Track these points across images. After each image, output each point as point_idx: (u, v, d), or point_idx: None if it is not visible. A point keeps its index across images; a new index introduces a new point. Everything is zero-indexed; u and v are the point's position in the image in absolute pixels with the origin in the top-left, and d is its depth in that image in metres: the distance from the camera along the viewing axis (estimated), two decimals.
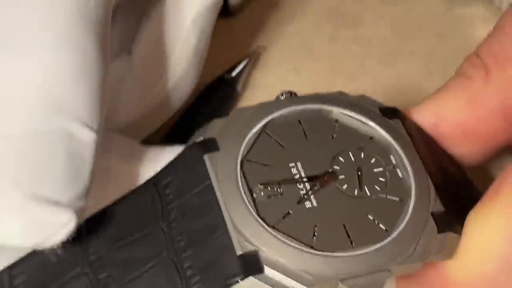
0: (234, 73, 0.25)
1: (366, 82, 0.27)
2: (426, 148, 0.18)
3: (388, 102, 0.19)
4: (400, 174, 0.17)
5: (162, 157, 0.19)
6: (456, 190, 0.19)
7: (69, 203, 0.14)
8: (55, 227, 0.14)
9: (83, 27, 0.17)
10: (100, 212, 0.16)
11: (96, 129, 0.15)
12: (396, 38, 0.28)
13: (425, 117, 0.19)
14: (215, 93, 0.24)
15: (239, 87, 0.25)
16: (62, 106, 0.15)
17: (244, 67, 0.25)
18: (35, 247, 0.14)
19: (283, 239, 0.15)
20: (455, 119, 0.19)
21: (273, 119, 0.17)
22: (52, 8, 0.17)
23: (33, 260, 0.16)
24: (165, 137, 0.23)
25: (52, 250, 0.15)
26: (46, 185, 0.14)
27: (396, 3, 0.30)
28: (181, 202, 0.16)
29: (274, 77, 0.27)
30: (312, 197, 0.16)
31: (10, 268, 0.16)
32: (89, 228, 0.16)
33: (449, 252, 0.16)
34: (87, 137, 0.15)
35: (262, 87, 0.26)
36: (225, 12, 0.27)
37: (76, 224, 0.14)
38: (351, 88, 0.21)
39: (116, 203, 0.16)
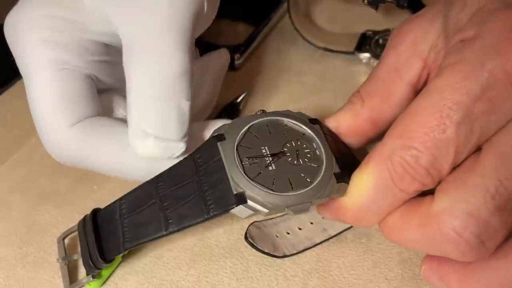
0: (238, 100, 0.38)
1: (304, 105, 0.38)
2: (332, 139, 0.26)
3: (313, 115, 0.27)
4: (318, 153, 0.25)
5: (211, 126, 0.28)
6: (347, 161, 0.25)
7: (181, 139, 0.26)
8: (176, 149, 0.26)
9: (191, 35, 0.26)
10: (166, 170, 0.25)
11: (190, 100, 0.26)
12: (319, 82, 0.40)
13: (331, 123, 0.27)
14: (227, 110, 0.36)
15: (240, 107, 0.37)
16: (178, 88, 0.26)
17: (243, 97, 0.38)
18: (168, 157, 0.26)
19: (257, 186, 0.22)
20: (346, 125, 0.27)
21: (253, 124, 0.25)
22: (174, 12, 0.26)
23: (131, 194, 0.26)
24: None
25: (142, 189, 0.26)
26: (173, 131, 0.26)
27: (318, 62, 0.42)
28: (205, 166, 0.24)
29: (257, 103, 0.39)
30: (272, 164, 0.24)
31: (120, 199, 0.26)
32: (159, 179, 0.26)
33: (343, 193, 0.24)
34: (186, 106, 0.26)
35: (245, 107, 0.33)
36: (232, 67, 0.41)
37: (185, 149, 0.26)
38: (296, 108, 0.32)
39: (174, 166, 0.25)
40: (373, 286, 0.27)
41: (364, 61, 0.41)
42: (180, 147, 0.26)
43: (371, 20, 0.45)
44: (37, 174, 0.35)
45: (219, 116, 0.37)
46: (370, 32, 0.42)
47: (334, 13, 0.47)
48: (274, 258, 0.28)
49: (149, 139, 0.25)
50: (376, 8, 0.41)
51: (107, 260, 0.26)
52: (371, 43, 0.41)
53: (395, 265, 0.28)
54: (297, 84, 0.40)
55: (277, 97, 0.39)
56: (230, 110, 0.37)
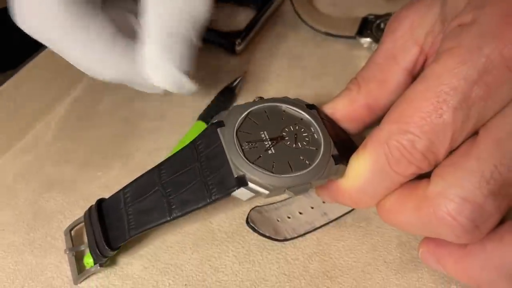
0: (233, 84, 0.38)
1: (305, 90, 0.38)
2: (329, 124, 0.26)
3: (314, 100, 0.28)
4: (316, 136, 0.25)
5: None
6: (346, 146, 0.26)
7: (187, 73, 0.29)
8: (186, 83, 0.29)
9: None
10: (167, 158, 0.26)
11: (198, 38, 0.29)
12: (320, 66, 0.40)
13: (328, 110, 0.27)
14: (224, 93, 0.37)
15: (236, 92, 0.38)
16: (193, 23, 0.28)
17: (238, 82, 0.38)
18: (177, 91, 0.29)
19: (257, 168, 0.23)
20: (342, 111, 0.27)
21: (251, 110, 0.26)
22: None
23: (134, 183, 0.27)
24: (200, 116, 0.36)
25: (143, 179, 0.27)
26: (183, 64, 0.29)
27: (319, 46, 0.41)
28: (206, 152, 0.25)
29: (258, 88, 0.39)
30: (272, 148, 0.24)
31: (124, 188, 0.27)
32: (160, 168, 0.26)
33: (341, 174, 0.24)
34: (197, 41, 0.28)
35: (246, 93, 0.33)
36: (233, 52, 0.41)
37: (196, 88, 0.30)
38: (297, 93, 0.33)
39: (175, 154, 0.26)
40: (372, 269, 0.28)
41: (365, 45, 0.41)
42: (190, 84, 0.29)
43: (373, 4, 0.44)
44: (43, 161, 0.35)
45: (215, 100, 0.37)
46: (372, 16, 0.42)
47: None
48: (275, 242, 0.29)
49: (164, 71, 0.28)
50: None
51: (114, 248, 0.27)
52: (373, 27, 0.41)
53: (393, 248, 0.28)
54: (298, 69, 0.40)
55: (278, 82, 0.39)
56: (225, 94, 0.38)
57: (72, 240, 0.30)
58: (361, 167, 0.23)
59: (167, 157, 0.27)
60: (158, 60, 0.29)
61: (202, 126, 0.35)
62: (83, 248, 0.30)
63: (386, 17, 0.41)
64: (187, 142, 0.27)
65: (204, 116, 0.36)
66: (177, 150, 0.27)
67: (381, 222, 0.30)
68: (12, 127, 0.36)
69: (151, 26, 0.28)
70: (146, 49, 0.29)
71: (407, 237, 0.29)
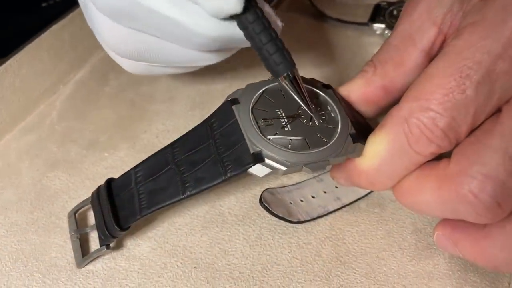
0: None
1: (315, 76, 0.38)
2: (346, 104, 0.26)
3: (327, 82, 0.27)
4: (333, 115, 0.25)
5: None
6: (362, 127, 0.26)
7: None
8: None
9: None
10: (180, 137, 0.26)
11: None
12: (331, 53, 0.39)
13: (343, 92, 0.27)
14: None
15: None
16: None
17: None
18: (225, 14, 0.22)
19: (274, 145, 0.23)
20: (357, 93, 0.26)
21: (267, 88, 0.25)
22: None
23: (146, 162, 0.26)
24: None
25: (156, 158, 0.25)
26: None
27: (331, 33, 0.40)
28: (220, 130, 0.24)
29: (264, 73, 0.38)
30: (288, 125, 0.24)
31: (135, 168, 0.26)
32: (173, 146, 0.26)
33: (359, 153, 0.24)
34: None
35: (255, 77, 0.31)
36: None
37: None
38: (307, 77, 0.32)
39: (188, 132, 0.25)
40: (387, 255, 0.27)
41: (378, 32, 0.40)
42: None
43: None
44: (47, 141, 0.34)
45: None
46: (385, 3, 0.41)
47: None
48: (287, 226, 0.28)
49: None
50: None
51: (123, 227, 0.26)
52: (385, 14, 0.40)
53: (408, 234, 0.28)
54: (309, 55, 0.40)
55: None
56: None
57: (76, 223, 0.29)
58: (379, 146, 0.23)
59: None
60: None
61: None
62: (88, 231, 0.29)
63: (399, 4, 0.41)
64: None
65: None
66: None
67: (396, 208, 0.29)
68: (16, 105, 0.35)
69: None
70: None
71: (423, 224, 0.28)
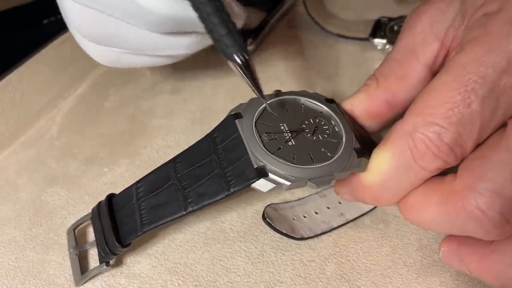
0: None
1: (317, 92, 0.38)
2: (349, 119, 0.26)
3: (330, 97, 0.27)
4: (337, 129, 0.25)
5: None
6: (366, 141, 0.25)
7: None
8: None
9: None
10: (183, 151, 0.25)
11: None
12: (332, 68, 0.39)
13: (346, 106, 0.26)
14: None
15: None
16: None
17: None
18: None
19: (278, 159, 0.22)
20: (360, 107, 0.26)
21: (270, 102, 0.25)
22: None
23: (148, 177, 0.26)
24: None
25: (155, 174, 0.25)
26: None
27: (332, 48, 0.40)
28: (223, 144, 0.24)
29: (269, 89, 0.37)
30: (292, 140, 0.24)
31: (136, 183, 0.26)
32: (175, 161, 0.25)
33: (363, 168, 0.23)
34: None
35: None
36: None
37: None
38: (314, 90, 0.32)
39: (191, 147, 0.25)
40: (392, 272, 0.26)
41: (379, 47, 0.40)
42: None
43: (384, 7, 0.44)
44: (46, 156, 0.34)
45: None
46: (385, 19, 0.41)
47: (348, 0, 0.46)
48: (290, 243, 0.28)
49: None
50: None
51: (124, 244, 0.25)
52: (386, 29, 0.40)
53: (414, 251, 0.27)
54: (310, 71, 0.40)
55: (289, 84, 0.38)
56: None
57: (75, 239, 0.28)
58: (383, 161, 0.22)
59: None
60: None
61: None
62: (87, 248, 0.28)
63: (400, 19, 0.41)
64: None
65: None
66: None
67: (400, 224, 0.29)
68: (16, 120, 0.35)
69: None
70: None
71: (428, 240, 0.28)
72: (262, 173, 0.22)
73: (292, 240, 0.28)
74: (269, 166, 0.22)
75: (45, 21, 0.48)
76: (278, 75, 0.39)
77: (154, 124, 0.36)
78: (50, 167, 0.33)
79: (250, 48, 0.41)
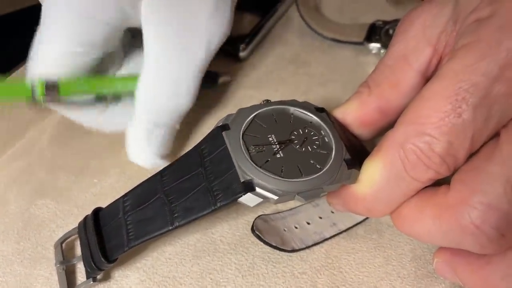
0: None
1: (311, 97, 0.37)
2: (340, 128, 0.25)
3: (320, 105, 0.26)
4: (326, 140, 0.24)
5: None
6: (358, 151, 0.25)
7: (165, 156, 0.30)
8: (161, 163, 0.30)
9: None
10: (170, 164, 0.25)
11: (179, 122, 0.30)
12: (327, 73, 0.39)
13: (338, 114, 0.26)
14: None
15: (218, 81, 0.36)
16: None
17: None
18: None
19: (265, 173, 0.22)
20: (352, 115, 0.26)
21: (258, 113, 0.24)
22: None
23: (135, 191, 0.25)
24: None
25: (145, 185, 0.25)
26: (163, 149, 0.33)
27: (326, 53, 0.40)
28: (211, 157, 0.23)
29: (263, 95, 0.38)
30: (280, 152, 0.23)
31: (123, 196, 0.25)
32: (162, 174, 0.25)
33: (354, 179, 0.23)
34: (179, 125, 0.31)
35: (251, 99, 0.34)
36: (237, 59, 0.40)
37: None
38: (303, 100, 0.31)
39: (178, 159, 0.25)
40: (385, 284, 0.26)
41: (373, 51, 0.39)
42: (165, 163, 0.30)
43: (380, 10, 0.43)
44: (36, 168, 0.34)
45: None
46: (380, 22, 0.40)
47: (342, 4, 0.46)
48: (281, 254, 0.27)
49: (144, 154, 0.31)
50: None
51: (110, 260, 0.25)
52: (381, 33, 0.39)
53: (408, 262, 0.27)
54: (304, 76, 0.39)
55: (283, 89, 0.38)
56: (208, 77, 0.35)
57: (63, 253, 0.28)
58: (375, 172, 0.22)
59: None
60: (141, 143, 0.31)
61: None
62: (75, 262, 0.28)
63: (395, 23, 0.40)
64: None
65: None
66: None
67: (394, 234, 0.28)
68: (5, 132, 0.34)
69: (139, 113, 0.30)
70: (132, 130, 0.31)
71: (422, 250, 0.27)
72: (249, 187, 0.22)
73: (284, 252, 0.27)
74: (256, 180, 0.22)
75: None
76: (271, 81, 0.39)
77: None
78: (40, 178, 0.33)
79: (243, 54, 0.40)
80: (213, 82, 0.36)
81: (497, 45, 0.19)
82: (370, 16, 0.42)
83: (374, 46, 0.39)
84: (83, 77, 0.30)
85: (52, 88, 0.28)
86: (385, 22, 0.40)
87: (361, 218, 0.28)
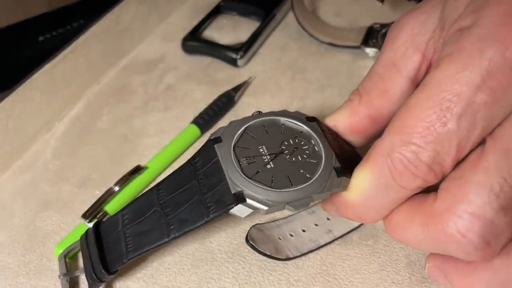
0: (235, 91, 0.38)
1: (309, 102, 0.37)
2: (331, 136, 0.25)
3: (318, 113, 0.28)
4: (316, 149, 0.24)
5: None
6: (350, 159, 0.25)
7: None
8: None
9: None
10: (166, 177, 0.25)
11: None
12: (324, 78, 0.39)
13: (329, 122, 0.26)
14: (222, 98, 0.37)
15: (235, 98, 0.38)
16: None
17: (242, 88, 0.38)
18: None
19: (255, 184, 0.22)
20: (343, 123, 0.26)
21: (249, 125, 0.25)
22: None
23: (133, 204, 0.26)
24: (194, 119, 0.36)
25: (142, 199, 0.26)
26: None
27: (324, 58, 0.40)
28: (204, 170, 0.24)
29: (261, 101, 0.38)
30: (271, 162, 0.23)
31: (122, 210, 0.26)
32: (159, 187, 0.25)
33: (344, 187, 0.23)
34: None
35: (248, 106, 0.33)
36: (235, 65, 0.41)
37: None
38: (301, 105, 0.31)
39: (173, 172, 0.25)
40: None
41: (370, 55, 0.40)
42: None
43: (378, 13, 0.44)
44: (40, 180, 0.34)
45: (212, 104, 0.37)
46: (377, 25, 0.41)
47: (340, 7, 0.46)
48: (277, 262, 0.28)
49: None
50: (382, 1, 0.39)
51: (111, 272, 0.26)
52: (378, 36, 0.40)
53: (402, 268, 0.27)
54: (302, 81, 0.39)
55: (281, 95, 0.38)
56: (223, 99, 0.38)
57: (66, 265, 0.29)
58: (364, 180, 0.22)
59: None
60: None
61: (194, 129, 0.35)
62: (78, 274, 0.29)
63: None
64: (178, 145, 0.28)
65: (197, 120, 0.36)
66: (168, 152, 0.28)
67: (389, 240, 0.28)
68: (10, 146, 0.35)
69: None
70: None
71: (417, 256, 0.27)
72: (239, 198, 0.22)
73: (278, 260, 0.28)
74: (246, 191, 0.22)
75: (40, 38, 0.48)
76: (270, 87, 0.39)
77: (145, 143, 0.36)
78: (44, 191, 0.34)
79: (240, 61, 0.41)
80: (231, 103, 0.38)
81: (479, 55, 0.19)
82: (368, 19, 0.42)
83: (371, 50, 0.40)
84: None
85: None
86: (383, 25, 0.41)
87: (356, 224, 0.29)
